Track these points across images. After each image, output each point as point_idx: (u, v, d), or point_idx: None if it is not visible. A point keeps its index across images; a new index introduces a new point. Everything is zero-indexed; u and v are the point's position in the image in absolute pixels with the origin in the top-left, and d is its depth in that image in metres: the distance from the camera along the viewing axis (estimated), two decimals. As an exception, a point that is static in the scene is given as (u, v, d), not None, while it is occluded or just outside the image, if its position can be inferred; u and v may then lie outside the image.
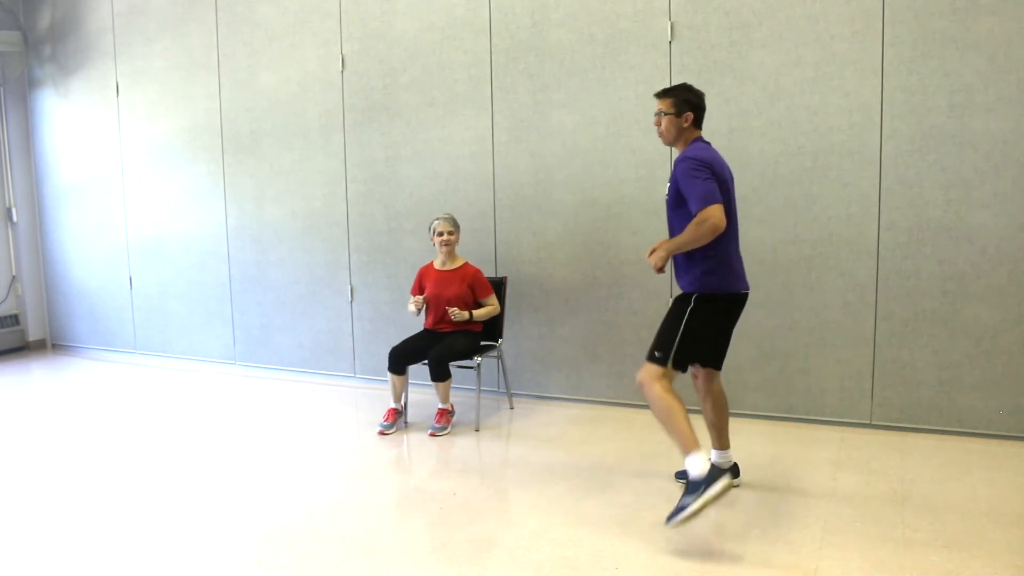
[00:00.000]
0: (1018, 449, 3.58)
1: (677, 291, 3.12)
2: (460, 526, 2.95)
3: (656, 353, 2.92)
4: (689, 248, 2.87)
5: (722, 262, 2.95)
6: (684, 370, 2.97)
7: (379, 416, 4.32)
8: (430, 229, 4.31)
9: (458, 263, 4.30)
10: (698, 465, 2.70)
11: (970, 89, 3.58)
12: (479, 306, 4.25)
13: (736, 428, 3.97)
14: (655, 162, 4.21)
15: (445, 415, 4.15)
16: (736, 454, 3.61)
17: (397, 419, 4.22)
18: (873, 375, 3.89)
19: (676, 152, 3.05)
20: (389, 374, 4.17)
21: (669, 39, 4.11)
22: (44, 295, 6.71)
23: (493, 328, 4.37)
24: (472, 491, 3.30)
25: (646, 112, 4.15)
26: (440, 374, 4.06)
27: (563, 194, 4.46)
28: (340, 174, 5.10)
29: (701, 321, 2.94)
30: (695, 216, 2.81)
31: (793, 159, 3.92)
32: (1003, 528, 2.79)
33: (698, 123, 3.05)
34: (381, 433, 4.12)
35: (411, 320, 4.82)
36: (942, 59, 3.61)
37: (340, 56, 4.99)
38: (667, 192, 3.02)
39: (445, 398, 4.15)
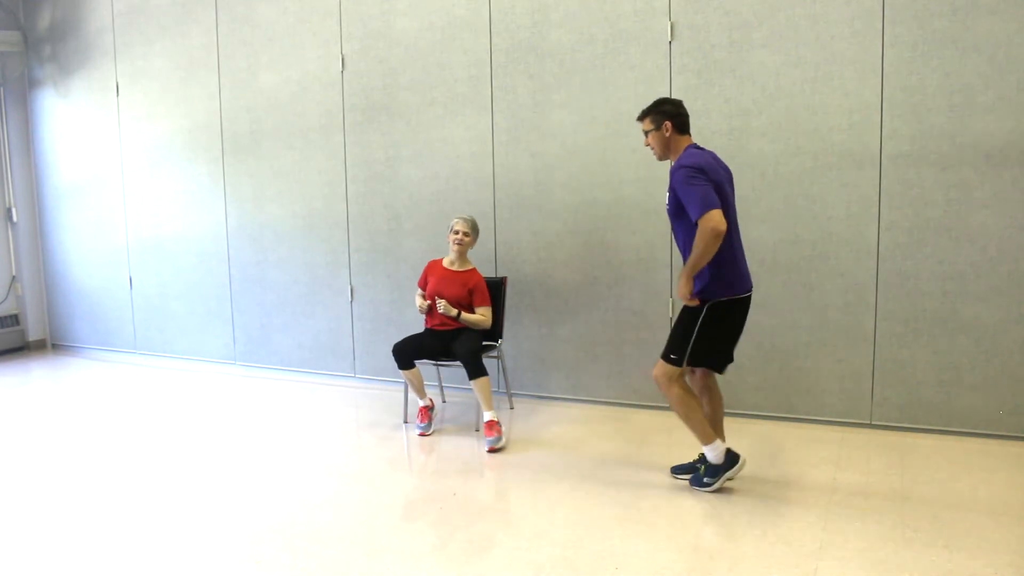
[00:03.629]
0: (1018, 449, 3.58)
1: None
2: (460, 526, 2.94)
3: (671, 355, 3.11)
4: (705, 261, 2.93)
5: (727, 266, 3.03)
6: (699, 366, 3.23)
7: (378, 415, 4.32)
8: (449, 227, 4.28)
9: (467, 266, 4.27)
10: (716, 453, 3.15)
11: (970, 89, 3.58)
12: (471, 311, 4.21)
13: (736, 428, 3.98)
14: (655, 162, 4.18)
15: (495, 426, 3.85)
16: (736, 454, 3.63)
17: (431, 416, 4.13)
18: (873, 375, 3.89)
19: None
20: (401, 372, 4.10)
21: (669, 39, 4.11)
22: (44, 295, 6.71)
23: (493, 328, 4.37)
24: (472, 491, 3.30)
25: (646, 112, 4.14)
26: (476, 370, 3.92)
27: (563, 194, 4.46)
28: (340, 174, 5.10)
29: (712, 329, 3.07)
30: (696, 224, 2.89)
31: (793, 159, 3.92)
32: (1003, 528, 2.79)
33: (681, 129, 3.10)
34: (421, 435, 4.05)
35: (412, 320, 4.82)
36: (942, 59, 3.61)
37: (340, 56, 4.99)
38: (667, 202, 3.07)
39: (488, 401, 3.91)
